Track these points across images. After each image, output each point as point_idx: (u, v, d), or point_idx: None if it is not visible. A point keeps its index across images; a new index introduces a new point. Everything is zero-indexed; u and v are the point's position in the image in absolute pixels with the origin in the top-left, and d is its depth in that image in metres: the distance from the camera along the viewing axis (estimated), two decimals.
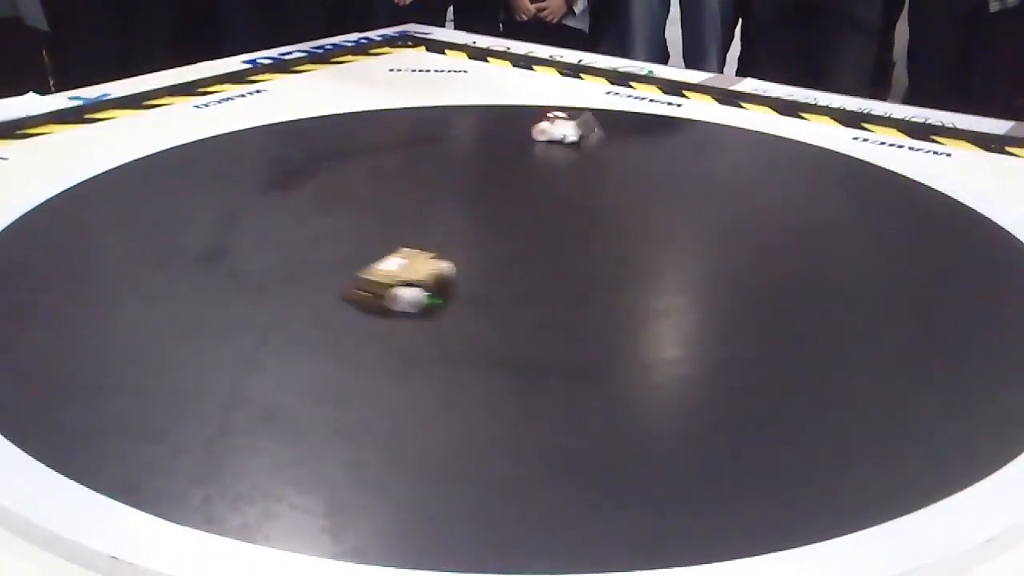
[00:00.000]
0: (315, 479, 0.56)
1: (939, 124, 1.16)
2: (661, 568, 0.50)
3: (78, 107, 1.18)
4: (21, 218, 0.88)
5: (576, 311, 0.77)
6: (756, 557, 0.51)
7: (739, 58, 2.12)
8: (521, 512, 0.54)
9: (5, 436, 0.58)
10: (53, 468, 0.56)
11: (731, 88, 1.32)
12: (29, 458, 0.57)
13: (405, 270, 0.74)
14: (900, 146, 1.11)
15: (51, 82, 1.95)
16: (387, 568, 0.49)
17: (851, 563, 0.51)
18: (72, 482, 0.55)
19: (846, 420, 0.64)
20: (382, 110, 1.22)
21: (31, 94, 1.22)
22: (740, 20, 2.10)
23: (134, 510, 0.53)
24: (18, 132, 1.10)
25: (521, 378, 0.67)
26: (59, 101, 1.21)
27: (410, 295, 0.72)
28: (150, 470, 0.56)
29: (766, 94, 1.28)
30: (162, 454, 0.58)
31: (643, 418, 0.65)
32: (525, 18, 2.51)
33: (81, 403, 0.63)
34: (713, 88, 1.32)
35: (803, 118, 1.21)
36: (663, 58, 2.14)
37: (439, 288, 0.73)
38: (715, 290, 0.83)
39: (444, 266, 0.75)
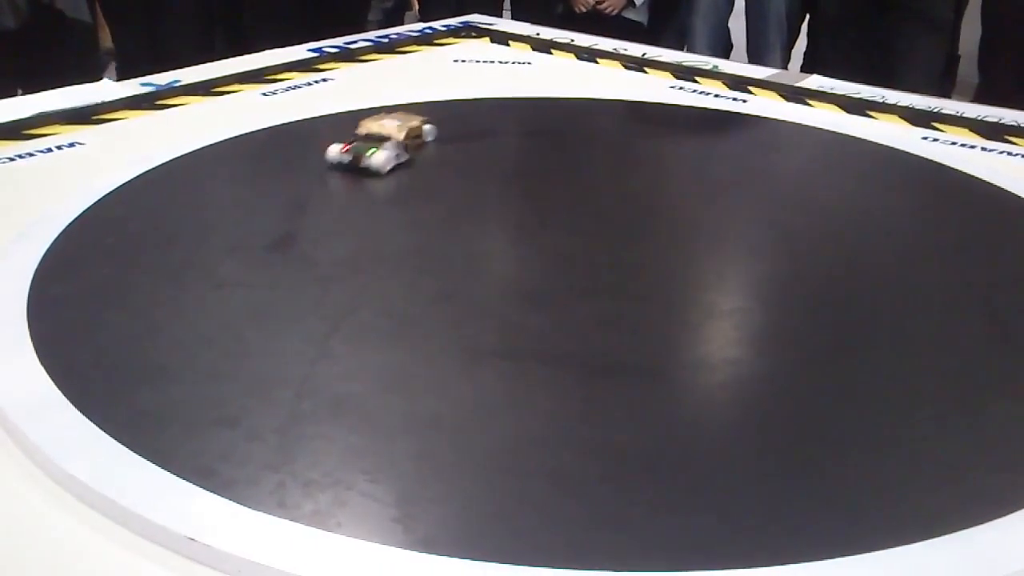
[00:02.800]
0: (385, 469, 0.57)
1: (1014, 124, 1.14)
2: (726, 569, 0.50)
3: (150, 93, 1.21)
4: (98, 202, 0.90)
5: (640, 308, 0.77)
6: (823, 561, 0.51)
7: (804, 54, 2.10)
8: (588, 508, 0.55)
9: (85, 415, 0.60)
10: (131, 449, 0.57)
11: (797, 85, 1.31)
12: (108, 437, 0.58)
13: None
14: (972, 147, 1.09)
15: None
16: (457, 559, 0.50)
17: (917, 572, 0.50)
18: (150, 463, 0.56)
19: (916, 425, 0.63)
20: (447, 101, 1.23)
21: (105, 80, 1.25)
22: (807, 16, 2.07)
23: (210, 493, 0.54)
24: (93, 117, 1.13)
25: (587, 374, 0.67)
26: (132, 87, 1.23)
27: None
28: (224, 454, 0.57)
29: (833, 91, 1.27)
30: (235, 439, 0.59)
31: (708, 418, 0.65)
32: (584, 10, 2.51)
33: (157, 386, 0.64)
34: (779, 84, 1.31)
35: (871, 116, 1.20)
36: (726, 51, 2.12)
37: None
38: (780, 291, 0.82)
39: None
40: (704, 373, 0.70)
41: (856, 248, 0.87)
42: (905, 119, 1.18)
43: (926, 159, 1.05)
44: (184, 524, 0.52)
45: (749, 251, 0.90)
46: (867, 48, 1.82)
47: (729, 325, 0.77)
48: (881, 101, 1.23)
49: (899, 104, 1.21)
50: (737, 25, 2.28)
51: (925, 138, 1.12)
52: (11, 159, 1.02)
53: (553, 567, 0.50)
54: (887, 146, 1.09)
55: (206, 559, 0.51)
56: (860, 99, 1.24)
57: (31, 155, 1.03)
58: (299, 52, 1.40)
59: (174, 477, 0.55)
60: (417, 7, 2.92)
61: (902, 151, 1.08)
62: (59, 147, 1.05)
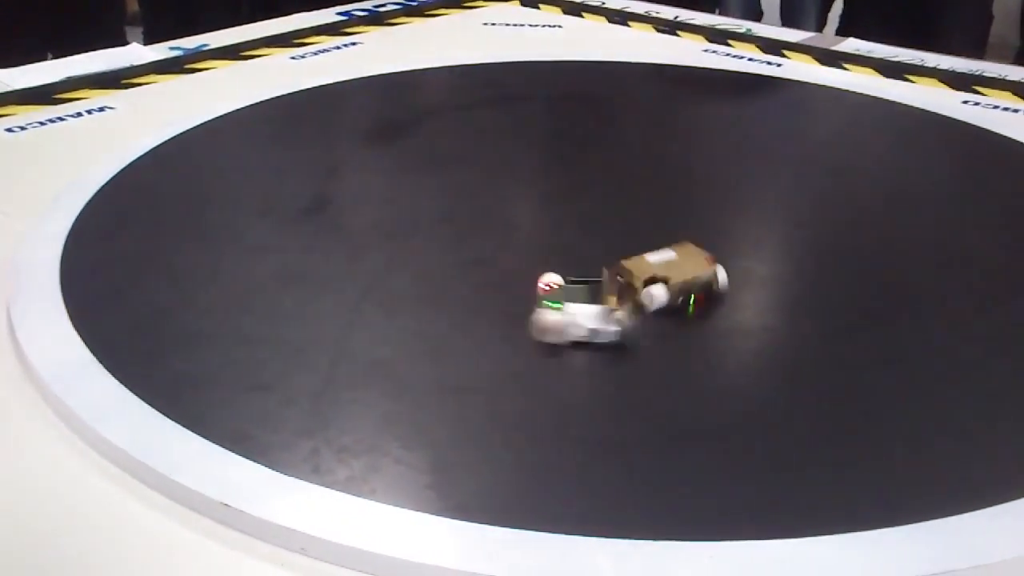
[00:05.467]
0: (419, 435, 0.57)
1: None
2: (766, 539, 0.49)
3: (178, 57, 1.20)
4: (128, 167, 0.89)
5: None
6: (864, 532, 0.50)
7: (840, 17, 2.06)
8: (624, 476, 0.54)
9: (119, 380, 0.60)
10: (165, 414, 0.57)
11: (833, 48, 1.28)
12: (142, 403, 0.58)
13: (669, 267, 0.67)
14: (1016, 110, 1.07)
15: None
16: (491, 526, 0.50)
17: (961, 543, 0.49)
18: (184, 428, 0.56)
19: (959, 395, 0.62)
20: (477, 64, 1.21)
21: (134, 44, 1.25)
22: None
23: (244, 459, 0.54)
24: (123, 82, 1.12)
25: (625, 341, 0.66)
26: (160, 51, 1.23)
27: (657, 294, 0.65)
28: (258, 420, 0.57)
29: (870, 55, 1.24)
30: (270, 404, 0.59)
31: (746, 386, 0.64)
32: None
33: (190, 351, 0.64)
34: (814, 48, 1.28)
35: (909, 80, 1.17)
36: (757, 17, 2.09)
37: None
38: (818, 258, 0.80)
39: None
40: (741, 340, 0.69)
41: (895, 214, 0.86)
42: (945, 83, 1.15)
43: (967, 123, 1.03)
44: (218, 489, 0.52)
45: (785, 217, 0.89)
46: (906, 10, 1.78)
47: (766, 292, 0.76)
48: (920, 64, 1.20)
49: (939, 67, 1.18)
50: None
51: (966, 102, 1.09)
52: (42, 123, 1.02)
53: (589, 535, 0.49)
54: (926, 110, 1.07)
55: (240, 524, 0.51)
56: (898, 62, 1.21)
57: (61, 119, 1.03)
58: (327, 16, 1.39)
59: (208, 442, 0.55)
60: None
61: (942, 115, 1.05)
62: (89, 111, 1.05)
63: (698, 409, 0.60)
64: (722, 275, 0.68)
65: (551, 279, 0.66)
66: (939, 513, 0.51)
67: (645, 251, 0.71)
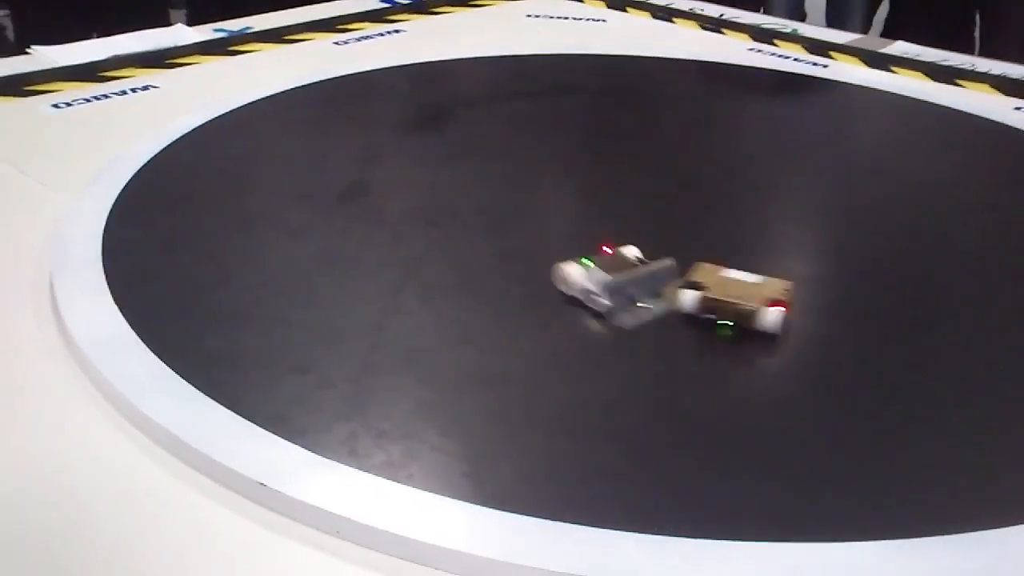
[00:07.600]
0: (456, 423, 0.56)
1: None
2: (798, 541, 0.48)
3: (222, 39, 1.21)
4: (171, 145, 0.90)
5: None
6: (905, 539, 0.49)
7: (885, 19, 2.03)
8: (662, 472, 0.53)
9: (159, 356, 0.60)
10: (204, 392, 0.57)
11: (881, 51, 1.26)
12: (182, 380, 0.58)
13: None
14: None
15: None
16: (526, 517, 0.49)
17: (991, 558, 0.48)
18: (222, 407, 0.56)
19: (996, 405, 0.60)
20: (520, 56, 1.21)
21: (179, 25, 1.25)
22: None
23: (282, 439, 0.54)
24: (167, 61, 1.13)
25: (664, 338, 0.66)
26: (204, 33, 1.23)
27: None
28: (296, 401, 0.57)
29: (918, 58, 1.22)
30: (307, 387, 0.58)
31: (781, 387, 0.63)
32: None
33: (229, 330, 0.64)
34: (861, 50, 1.26)
35: (959, 85, 1.15)
36: (800, 18, 2.07)
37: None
38: (858, 261, 0.79)
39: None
40: (781, 344, 0.68)
41: (942, 221, 0.84)
42: (997, 88, 1.13)
43: (1019, 130, 1.01)
44: (255, 469, 0.51)
45: (827, 219, 0.87)
46: (952, 15, 1.75)
47: (805, 293, 0.75)
48: (971, 69, 1.18)
49: (990, 73, 1.16)
50: None
51: (1018, 108, 1.07)
52: (87, 100, 1.02)
53: (621, 530, 0.48)
54: (977, 116, 1.05)
55: (276, 504, 0.50)
56: (948, 67, 1.19)
57: (106, 97, 1.03)
58: (371, 3, 1.39)
59: (246, 421, 0.55)
60: None
61: (993, 121, 1.04)
62: (133, 90, 1.05)
63: (734, 410, 0.59)
64: (772, 317, 0.65)
65: (622, 248, 0.70)
66: (980, 524, 0.50)
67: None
